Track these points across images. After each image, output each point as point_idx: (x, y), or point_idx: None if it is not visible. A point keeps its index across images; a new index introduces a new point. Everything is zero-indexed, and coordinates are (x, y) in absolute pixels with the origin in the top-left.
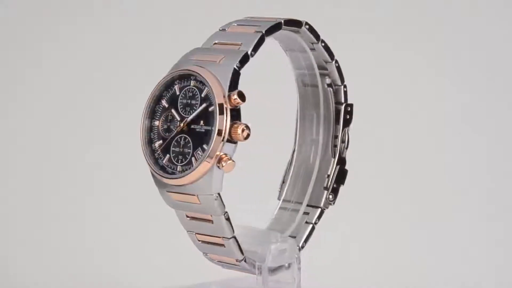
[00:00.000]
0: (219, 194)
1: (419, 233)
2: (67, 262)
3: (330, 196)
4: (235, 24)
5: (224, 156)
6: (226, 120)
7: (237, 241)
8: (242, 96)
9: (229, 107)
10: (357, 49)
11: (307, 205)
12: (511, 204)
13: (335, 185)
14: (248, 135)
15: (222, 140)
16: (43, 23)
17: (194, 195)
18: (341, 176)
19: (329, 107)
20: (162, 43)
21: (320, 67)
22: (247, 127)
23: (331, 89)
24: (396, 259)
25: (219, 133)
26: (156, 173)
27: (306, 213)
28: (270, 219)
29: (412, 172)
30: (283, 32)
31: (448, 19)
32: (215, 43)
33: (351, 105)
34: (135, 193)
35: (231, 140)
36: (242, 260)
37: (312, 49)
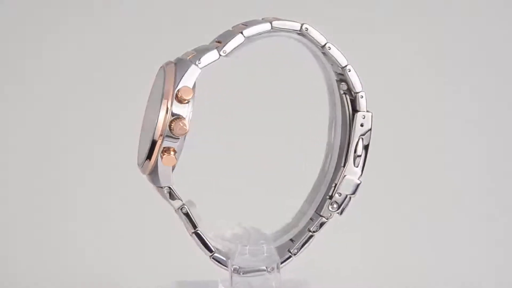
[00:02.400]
0: (170, 187)
1: (419, 233)
2: (67, 262)
3: (335, 205)
4: (241, 24)
5: (169, 149)
6: (167, 114)
7: (198, 237)
8: (186, 92)
9: (173, 102)
10: (358, 50)
11: (315, 211)
12: (511, 204)
13: (338, 195)
14: (185, 131)
15: (161, 134)
16: (43, 23)
17: (155, 187)
18: (349, 186)
19: (345, 114)
20: (162, 43)
21: (337, 73)
22: (184, 123)
23: (347, 96)
24: (396, 259)
25: (158, 126)
26: (137, 162)
27: (311, 219)
28: (287, 221)
29: (412, 173)
30: (296, 36)
31: (449, 19)
32: (215, 41)
33: (367, 114)
34: (143, 193)
35: (172, 135)
36: (210, 256)
37: (324, 53)
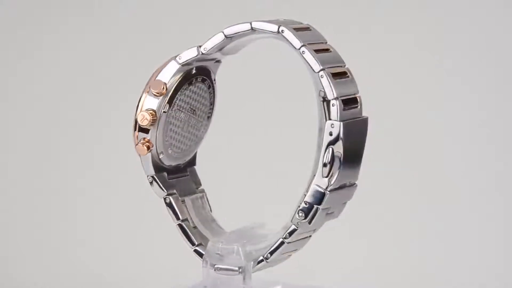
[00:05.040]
0: (152, 176)
1: (418, 235)
2: (67, 263)
3: (301, 214)
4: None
5: (145, 140)
6: (142, 106)
7: (181, 228)
8: (155, 85)
9: (148, 93)
10: (356, 50)
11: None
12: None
13: (305, 204)
14: (146, 123)
15: (136, 124)
16: (43, 23)
17: None
18: (315, 196)
19: (321, 121)
20: (160, 43)
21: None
22: (145, 114)
23: (322, 103)
24: (397, 260)
25: (135, 117)
26: None
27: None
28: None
29: (412, 174)
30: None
31: (447, 19)
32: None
33: (336, 123)
34: (144, 192)
35: (141, 126)
36: (192, 250)
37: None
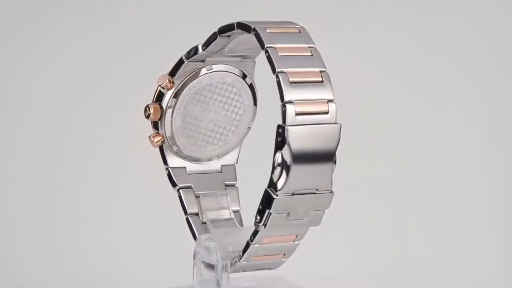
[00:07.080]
0: (167, 168)
1: (419, 234)
2: (67, 263)
3: (258, 217)
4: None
5: (155, 133)
6: (153, 100)
7: (187, 222)
8: (161, 80)
9: (159, 89)
10: (354, 50)
11: None
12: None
13: (260, 207)
14: (148, 115)
15: (147, 118)
16: (43, 23)
17: None
18: (266, 200)
19: None
20: (159, 43)
21: None
22: (149, 107)
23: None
24: (397, 260)
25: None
26: None
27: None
28: None
29: (414, 175)
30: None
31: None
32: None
33: (284, 127)
34: (146, 192)
35: (150, 120)
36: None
37: None
